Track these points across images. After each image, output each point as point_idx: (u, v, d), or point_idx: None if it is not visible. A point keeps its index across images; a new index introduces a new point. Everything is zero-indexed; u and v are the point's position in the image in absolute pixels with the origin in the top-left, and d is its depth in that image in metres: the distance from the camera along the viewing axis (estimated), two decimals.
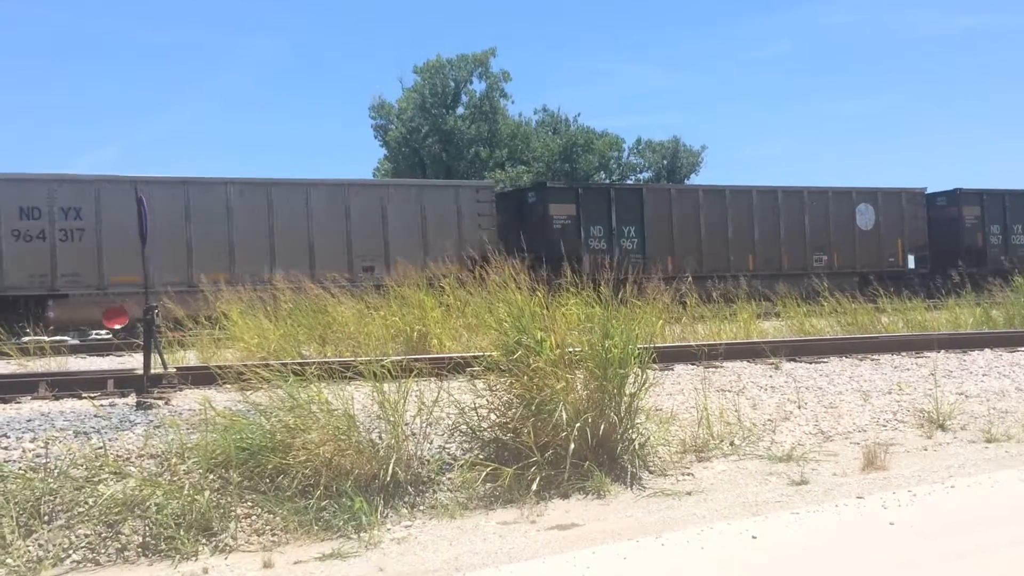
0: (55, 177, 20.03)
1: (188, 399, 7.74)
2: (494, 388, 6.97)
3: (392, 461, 6.04)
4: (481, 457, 6.49)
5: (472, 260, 21.84)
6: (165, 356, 9.23)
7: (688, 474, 6.84)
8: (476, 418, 6.87)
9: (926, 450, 7.54)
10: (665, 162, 50.03)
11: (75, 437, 6.18)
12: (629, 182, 25.03)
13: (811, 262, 27.07)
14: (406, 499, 6.10)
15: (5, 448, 5.96)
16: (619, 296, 7.78)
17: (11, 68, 76.11)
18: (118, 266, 19.47)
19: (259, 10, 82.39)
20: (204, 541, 5.39)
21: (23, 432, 6.28)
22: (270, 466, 5.84)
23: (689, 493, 6.36)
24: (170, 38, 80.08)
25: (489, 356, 7.17)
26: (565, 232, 24.24)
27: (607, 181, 25.58)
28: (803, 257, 27.18)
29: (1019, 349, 11.66)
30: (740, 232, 26.39)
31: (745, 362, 10.38)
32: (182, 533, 5.33)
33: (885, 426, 8.17)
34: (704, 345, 10.14)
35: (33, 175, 19.97)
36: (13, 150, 78.00)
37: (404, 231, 22.60)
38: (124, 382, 8.71)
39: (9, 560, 5.04)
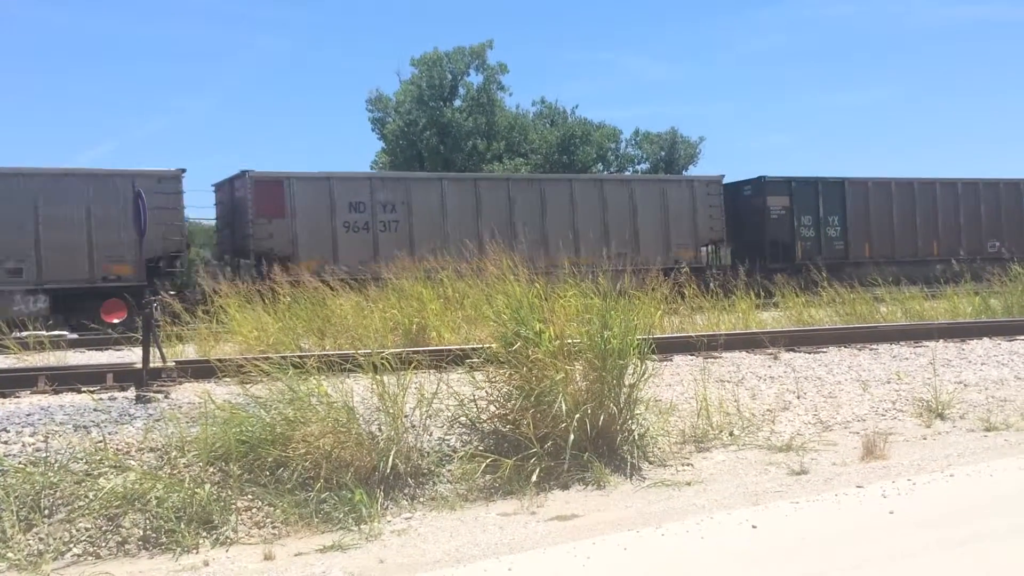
0: (376, 176, 24.68)
1: (188, 392, 7.74)
2: (493, 380, 6.97)
3: (392, 453, 6.05)
4: (481, 449, 6.49)
5: (707, 245, 25.85)
6: (164, 350, 9.22)
7: (688, 464, 6.85)
8: (475, 410, 6.88)
9: (925, 439, 7.55)
10: (663, 153, 50.03)
11: (75, 431, 6.18)
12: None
13: (986, 248, 28.92)
14: (406, 491, 6.11)
15: (5, 442, 5.96)
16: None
17: (11, 64, 76.13)
18: (426, 252, 21.27)
19: (258, 7, 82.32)
20: (205, 534, 5.40)
21: (23, 426, 6.27)
22: (270, 459, 5.85)
23: (689, 483, 6.37)
24: (170, 35, 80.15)
25: (488, 348, 7.18)
26: (780, 222, 26.90)
27: (812, 176, 28.03)
28: (979, 243, 29.17)
29: (1018, 338, 11.66)
30: (926, 220, 28.55)
31: (744, 352, 10.37)
32: (183, 526, 5.34)
33: (884, 415, 8.18)
34: (703, 336, 10.14)
35: (359, 174, 23.97)
36: (12, 144, 78.10)
37: (650, 221, 25.42)
38: (123, 376, 8.68)
39: (10, 554, 5.04)
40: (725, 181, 26.88)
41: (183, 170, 20.69)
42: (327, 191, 22.17)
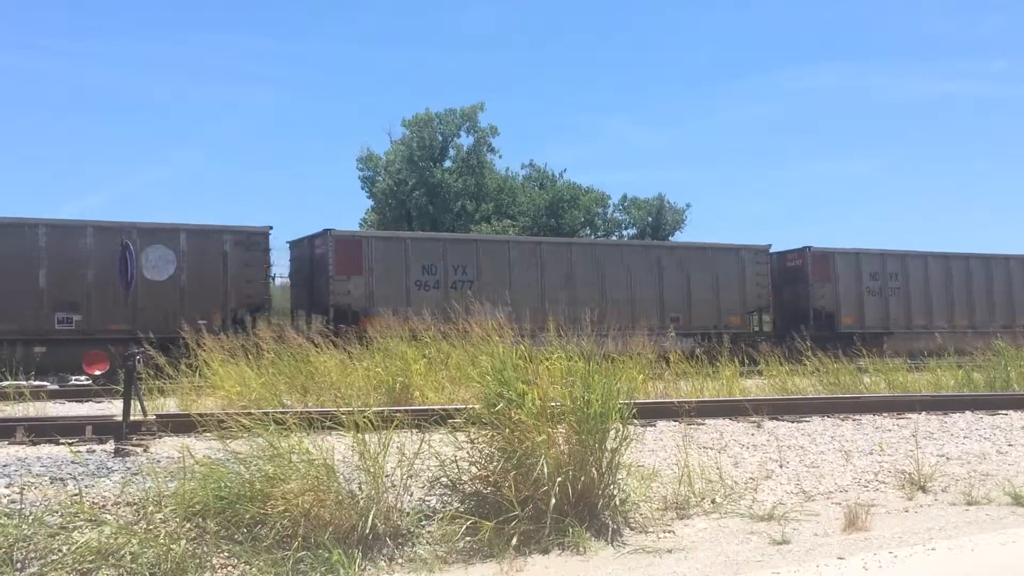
0: (888, 252, 29.28)
1: (167, 446, 7.67)
2: (475, 441, 6.95)
3: (371, 513, 5.99)
4: (461, 510, 6.44)
5: None
6: (145, 403, 9.16)
7: (669, 531, 6.80)
8: (457, 471, 6.84)
9: (907, 512, 7.53)
10: (650, 219, 50.40)
11: (51, 483, 6.11)
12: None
13: None
14: (385, 551, 6.04)
15: None
16: None
17: (3, 114, 76.56)
18: (920, 314, 29.47)
19: (250, 63, 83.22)
20: None
21: None
22: (248, 516, 5.78)
23: (670, 551, 6.32)
24: (163, 90, 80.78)
25: (471, 409, 7.15)
26: None
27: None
28: None
29: (1000, 412, 11.69)
30: None
31: (727, 420, 10.37)
32: None
33: (867, 487, 8.17)
34: (686, 402, 10.13)
35: (875, 250, 29.25)
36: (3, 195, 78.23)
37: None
38: (103, 428, 8.62)
39: None
40: None
41: (770, 246, 27.97)
42: (855, 262, 28.72)
